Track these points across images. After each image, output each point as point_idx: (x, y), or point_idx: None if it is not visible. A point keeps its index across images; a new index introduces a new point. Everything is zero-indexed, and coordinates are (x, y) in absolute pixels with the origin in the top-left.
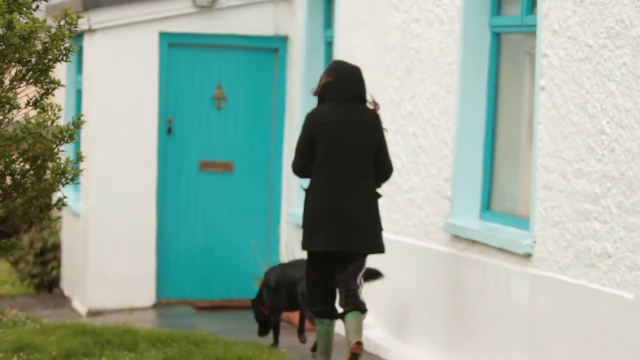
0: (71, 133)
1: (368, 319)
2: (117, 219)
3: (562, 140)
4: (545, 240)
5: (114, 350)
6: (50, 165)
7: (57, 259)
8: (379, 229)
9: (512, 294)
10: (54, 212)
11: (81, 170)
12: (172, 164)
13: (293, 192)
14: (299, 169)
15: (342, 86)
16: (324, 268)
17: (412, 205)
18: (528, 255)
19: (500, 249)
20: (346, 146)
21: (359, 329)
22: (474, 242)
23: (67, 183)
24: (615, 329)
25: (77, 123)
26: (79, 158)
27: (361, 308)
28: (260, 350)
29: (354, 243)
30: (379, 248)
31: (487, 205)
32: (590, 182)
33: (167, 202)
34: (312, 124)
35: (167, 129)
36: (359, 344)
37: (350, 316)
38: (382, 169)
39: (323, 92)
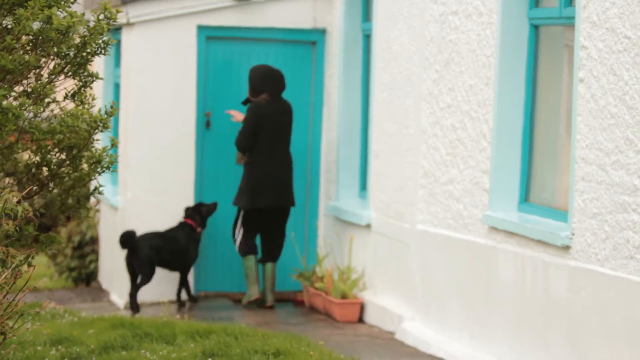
0: (105, 122)
1: (406, 312)
2: (155, 212)
3: (600, 132)
4: (584, 232)
5: (152, 342)
6: (85, 154)
7: (95, 252)
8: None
9: (551, 286)
10: (93, 204)
11: (116, 157)
12: (210, 157)
13: (331, 185)
14: (246, 146)
15: (275, 85)
16: (260, 222)
17: (451, 198)
18: (566, 247)
19: (539, 241)
20: (278, 129)
21: (274, 283)
22: (512, 234)
23: (103, 171)
24: None
25: (111, 111)
26: (113, 144)
27: (277, 259)
28: (299, 342)
29: (285, 199)
30: (294, 203)
31: (525, 197)
32: (629, 173)
33: (205, 195)
34: (257, 113)
35: (205, 122)
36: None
37: (269, 267)
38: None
39: (256, 94)
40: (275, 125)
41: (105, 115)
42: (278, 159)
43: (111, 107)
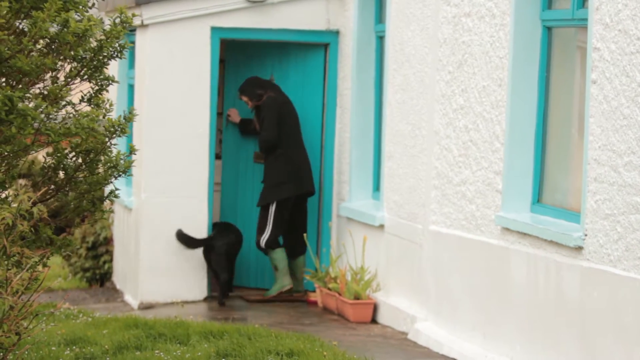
0: (123, 127)
1: (419, 312)
2: (169, 212)
3: (613, 133)
4: (596, 233)
5: (166, 343)
6: (102, 158)
7: (109, 252)
8: None
9: (563, 287)
10: (107, 206)
11: (132, 162)
12: (226, 157)
13: (344, 186)
14: (274, 139)
15: (271, 84)
16: (289, 211)
17: (464, 199)
18: (579, 248)
19: (551, 242)
20: (296, 119)
21: (304, 272)
22: (524, 235)
23: (119, 176)
24: None
25: (129, 117)
26: (131, 151)
27: (305, 251)
28: (312, 343)
29: (312, 184)
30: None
31: (538, 198)
32: None
33: (219, 196)
34: (277, 103)
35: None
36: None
37: (301, 259)
38: None
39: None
40: (293, 113)
41: (124, 121)
42: (303, 145)
43: (130, 112)
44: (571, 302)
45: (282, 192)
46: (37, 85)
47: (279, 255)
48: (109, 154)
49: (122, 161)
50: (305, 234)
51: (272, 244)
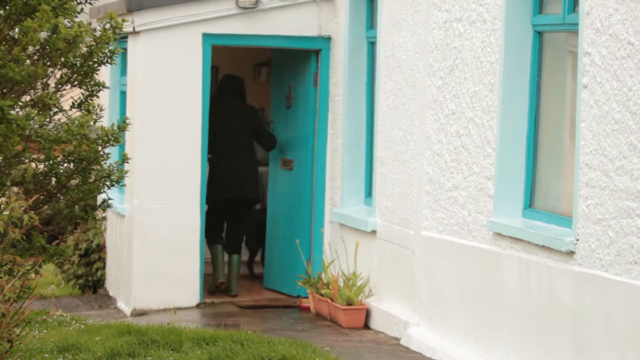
0: (116, 136)
1: (411, 318)
2: (161, 219)
3: (604, 137)
4: (588, 238)
5: (158, 349)
6: (95, 167)
7: (102, 259)
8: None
9: (555, 292)
10: (99, 213)
11: (126, 172)
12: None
13: (337, 192)
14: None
15: (222, 89)
16: (222, 213)
17: (455, 204)
18: (571, 253)
19: (543, 247)
20: (233, 128)
21: (238, 273)
22: (516, 239)
23: (113, 185)
24: None
25: (122, 126)
26: (124, 159)
27: (239, 251)
28: (305, 349)
29: (241, 192)
30: (257, 197)
31: (529, 203)
32: (633, 179)
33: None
34: (211, 115)
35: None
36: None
37: (235, 258)
38: (264, 143)
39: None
40: (228, 123)
41: (117, 130)
42: (237, 154)
43: (123, 121)
44: (563, 306)
45: (210, 196)
46: (28, 93)
47: (213, 252)
48: (102, 163)
49: (115, 171)
50: (297, 240)
51: (209, 242)
